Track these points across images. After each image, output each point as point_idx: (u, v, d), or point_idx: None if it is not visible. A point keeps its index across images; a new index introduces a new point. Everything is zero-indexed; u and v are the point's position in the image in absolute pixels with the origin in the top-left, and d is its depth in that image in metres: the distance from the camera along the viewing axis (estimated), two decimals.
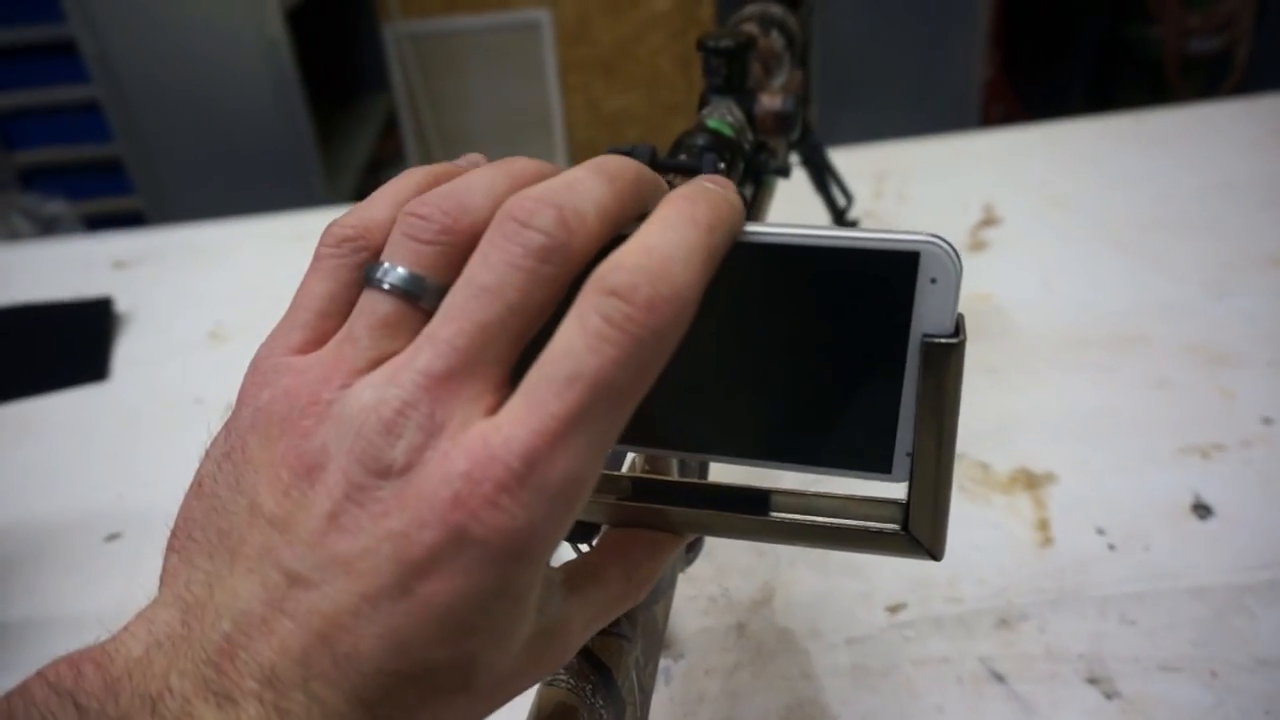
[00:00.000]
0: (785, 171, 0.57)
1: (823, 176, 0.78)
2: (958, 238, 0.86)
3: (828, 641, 0.48)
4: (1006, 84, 2.50)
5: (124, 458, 0.67)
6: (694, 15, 2.92)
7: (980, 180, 0.99)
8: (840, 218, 0.80)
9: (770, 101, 0.50)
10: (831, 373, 0.24)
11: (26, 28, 1.91)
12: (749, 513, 0.27)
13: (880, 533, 0.26)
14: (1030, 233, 0.88)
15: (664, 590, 0.36)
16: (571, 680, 0.30)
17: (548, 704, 0.29)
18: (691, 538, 0.31)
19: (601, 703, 0.30)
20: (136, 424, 0.71)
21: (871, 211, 0.93)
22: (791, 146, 0.76)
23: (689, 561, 0.43)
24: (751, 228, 0.23)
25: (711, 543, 0.54)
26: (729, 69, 0.49)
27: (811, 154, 0.75)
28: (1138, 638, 0.47)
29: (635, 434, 0.23)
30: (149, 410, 0.73)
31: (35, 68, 1.94)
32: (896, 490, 0.26)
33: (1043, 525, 0.54)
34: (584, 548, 0.32)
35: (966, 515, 0.55)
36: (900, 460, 0.25)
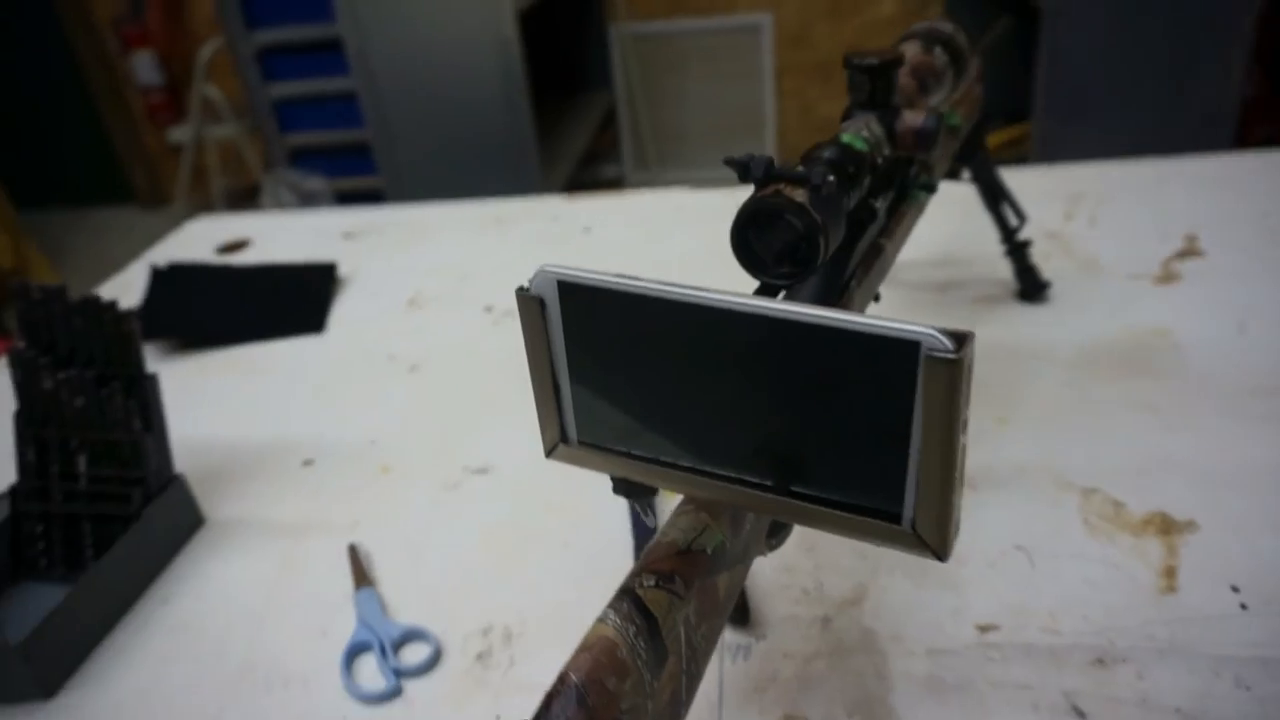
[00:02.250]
0: (931, 187, 0.57)
1: (993, 194, 0.76)
2: (1146, 267, 0.81)
3: (908, 647, 0.48)
4: (1274, 103, 2.23)
5: (325, 399, 0.79)
6: (920, 20, 2.84)
7: (1189, 208, 0.92)
8: (1010, 237, 0.78)
9: (912, 119, 0.51)
10: (857, 431, 0.27)
11: (303, 27, 2.20)
12: (774, 493, 0.30)
13: (888, 528, 0.28)
14: (1235, 268, 0.81)
15: (728, 564, 0.39)
16: (619, 621, 0.34)
17: (594, 636, 0.33)
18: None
19: (643, 645, 0.34)
20: (339, 372, 0.83)
21: (1056, 233, 0.90)
22: (961, 162, 0.75)
23: (772, 548, 0.45)
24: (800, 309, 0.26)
25: (815, 537, 0.56)
26: (872, 85, 0.51)
27: (979, 170, 0.74)
28: (1249, 703, 0.44)
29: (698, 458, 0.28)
30: (350, 362, 0.84)
31: (307, 62, 2.23)
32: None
33: (1169, 573, 0.51)
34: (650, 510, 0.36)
35: (1084, 550, 0.53)
36: (907, 514, 0.27)
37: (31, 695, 0.51)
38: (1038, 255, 0.82)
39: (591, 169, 3.14)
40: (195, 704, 0.51)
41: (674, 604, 0.35)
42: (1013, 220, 0.78)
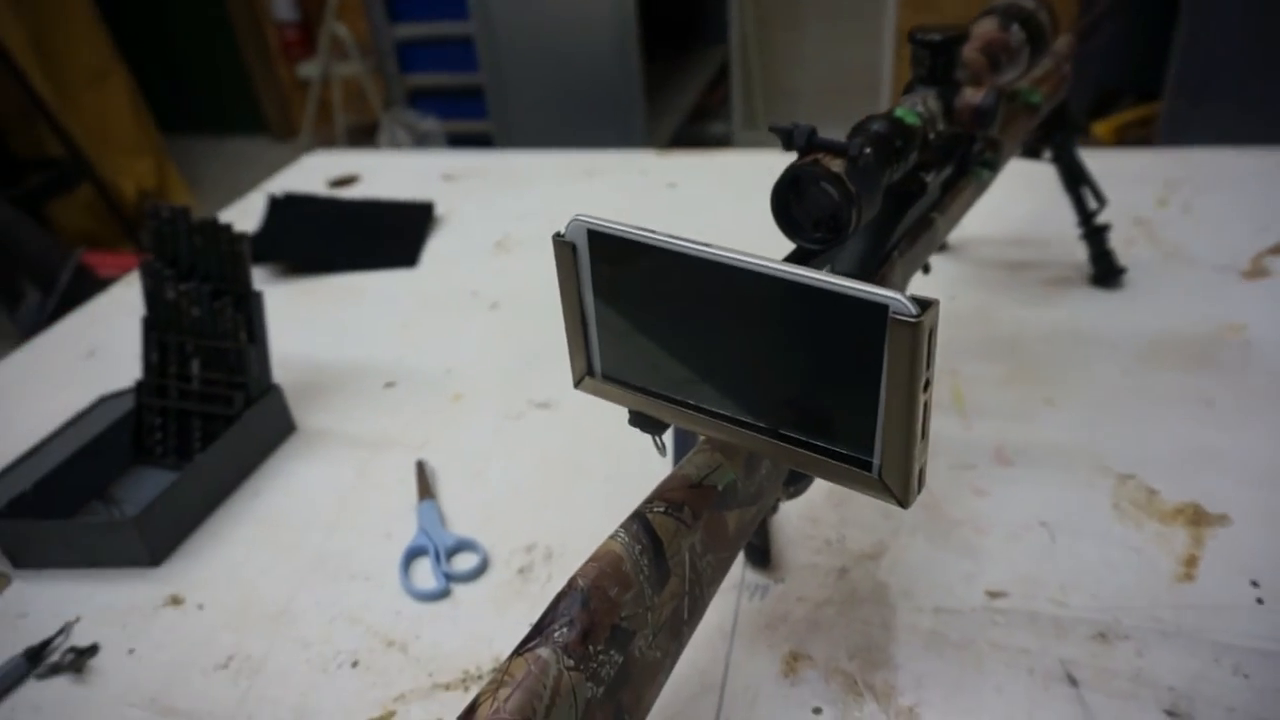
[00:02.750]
0: (992, 165, 0.58)
1: (1073, 175, 0.76)
2: (1234, 260, 0.78)
3: (917, 604, 0.51)
4: None
5: (411, 328, 0.85)
6: None
7: None
8: (1088, 219, 0.78)
9: (971, 96, 0.52)
10: (837, 385, 0.30)
11: None
12: (767, 435, 0.33)
13: (860, 474, 0.31)
14: None
15: (739, 503, 0.43)
16: (627, 539, 0.38)
17: (603, 550, 0.37)
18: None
19: (647, 563, 0.38)
20: (426, 304, 0.89)
21: (1144, 219, 0.87)
22: (1043, 141, 0.75)
23: (790, 495, 0.49)
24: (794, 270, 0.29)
25: (844, 495, 0.59)
26: (933, 60, 0.52)
27: (1059, 150, 0.73)
28: (1245, 691, 0.45)
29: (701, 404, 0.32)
30: (438, 295, 0.90)
31: (430, 4, 2.30)
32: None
33: (1190, 562, 0.52)
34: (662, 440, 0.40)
35: (1108, 532, 0.54)
36: (876, 462, 0.30)
37: (141, 560, 0.60)
38: (1121, 241, 0.81)
39: (699, 125, 3.14)
40: (274, 584, 0.58)
41: (680, 530, 0.39)
42: (1091, 203, 0.77)
